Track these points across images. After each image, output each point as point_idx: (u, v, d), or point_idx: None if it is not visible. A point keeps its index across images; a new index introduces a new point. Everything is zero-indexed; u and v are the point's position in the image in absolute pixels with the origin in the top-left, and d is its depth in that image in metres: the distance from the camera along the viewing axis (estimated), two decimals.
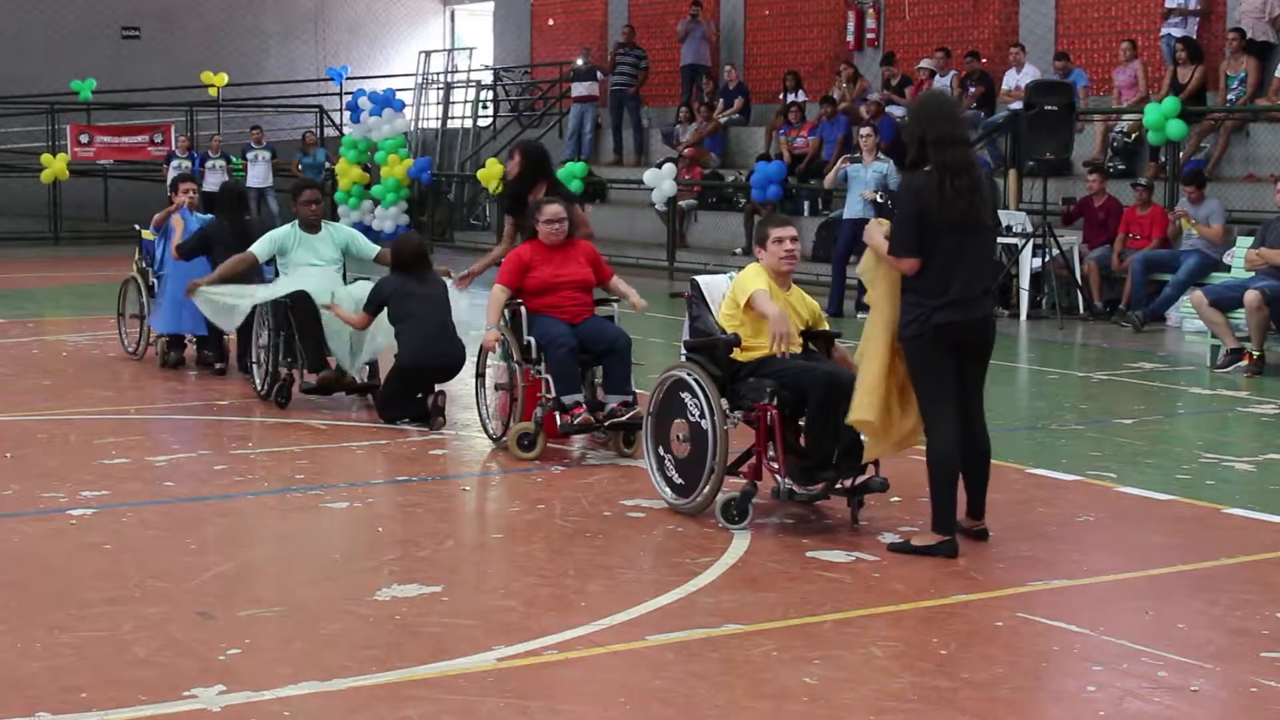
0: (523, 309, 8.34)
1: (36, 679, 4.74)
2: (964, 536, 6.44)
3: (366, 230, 22.08)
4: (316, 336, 9.60)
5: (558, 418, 8.12)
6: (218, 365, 11.11)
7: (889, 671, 4.90)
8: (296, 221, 10.10)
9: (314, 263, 9.92)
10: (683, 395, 6.94)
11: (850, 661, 4.99)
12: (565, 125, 24.91)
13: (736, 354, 6.87)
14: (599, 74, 24.18)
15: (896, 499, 7.16)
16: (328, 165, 25.35)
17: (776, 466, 6.64)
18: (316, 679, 4.75)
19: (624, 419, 8.09)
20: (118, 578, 5.89)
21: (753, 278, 6.98)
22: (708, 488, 6.78)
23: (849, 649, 5.11)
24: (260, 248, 9.97)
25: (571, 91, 24.57)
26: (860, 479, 6.69)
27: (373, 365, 9.83)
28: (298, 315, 9.59)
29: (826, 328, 7.28)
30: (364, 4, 33.25)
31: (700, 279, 7.36)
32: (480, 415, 8.72)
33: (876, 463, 6.75)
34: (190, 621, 5.33)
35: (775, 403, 6.63)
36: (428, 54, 30.51)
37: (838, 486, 6.71)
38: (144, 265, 11.76)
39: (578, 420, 8.05)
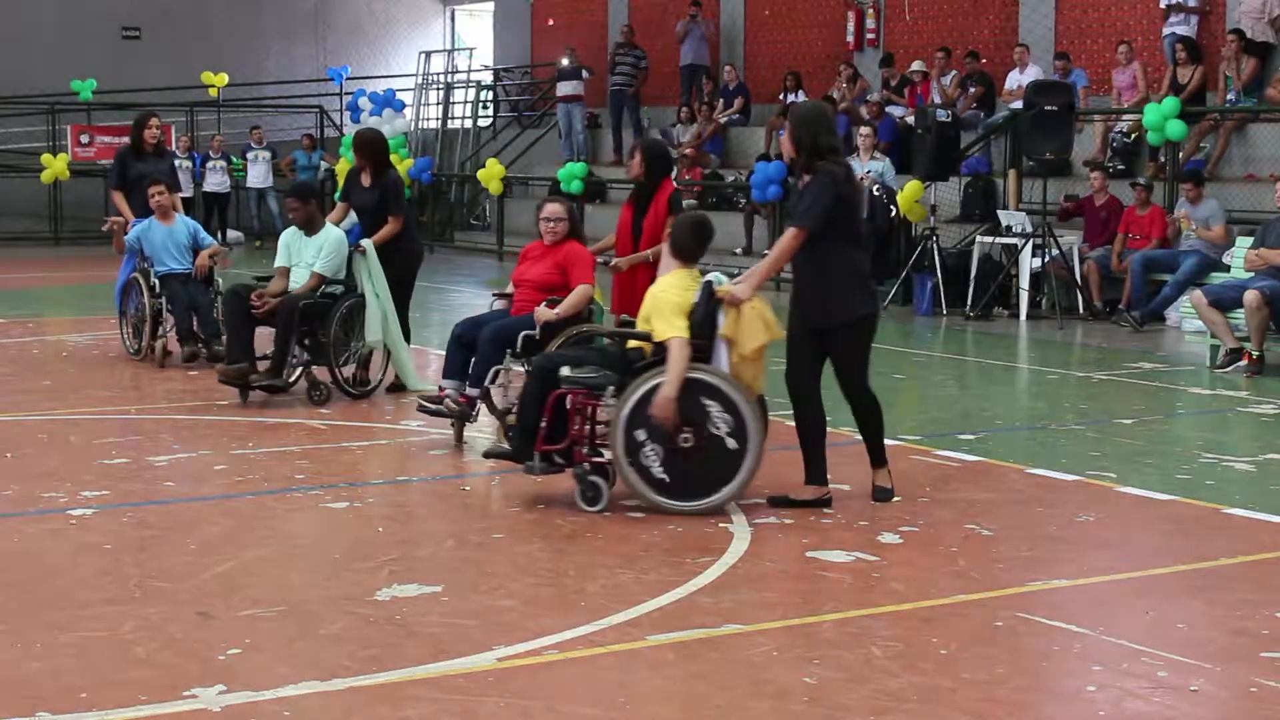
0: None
1: (36, 679, 4.74)
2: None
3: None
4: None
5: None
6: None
7: (889, 671, 4.90)
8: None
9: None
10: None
11: (850, 661, 4.98)
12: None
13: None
14: (584, 73, 24.15)
15: (897, 499, 7.17)
16: (325, 165, 25.33)
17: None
18: (316, 679, 4.75)
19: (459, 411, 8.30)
20: (118, 578, 5.89)
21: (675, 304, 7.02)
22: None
23: (849, 649, 5.11)
24: (278, 261, 10.10)
25: (557, 91, 24.57)
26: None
27: (365, 363, 9.92)
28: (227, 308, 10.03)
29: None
30: (364, 4, 33.26)
31: None
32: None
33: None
34: (190, 621, 5.32)
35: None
36: (428, 54, 30.51)
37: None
38: (145, 266, 11.75)
39: (442, 404, 8.30)
